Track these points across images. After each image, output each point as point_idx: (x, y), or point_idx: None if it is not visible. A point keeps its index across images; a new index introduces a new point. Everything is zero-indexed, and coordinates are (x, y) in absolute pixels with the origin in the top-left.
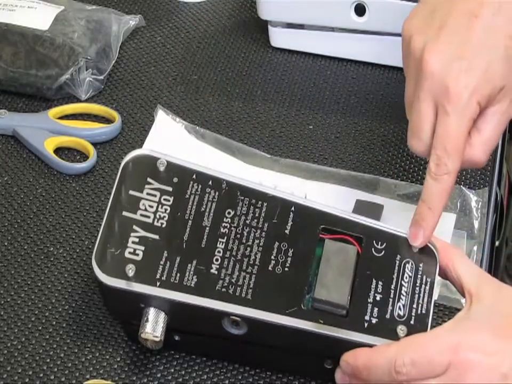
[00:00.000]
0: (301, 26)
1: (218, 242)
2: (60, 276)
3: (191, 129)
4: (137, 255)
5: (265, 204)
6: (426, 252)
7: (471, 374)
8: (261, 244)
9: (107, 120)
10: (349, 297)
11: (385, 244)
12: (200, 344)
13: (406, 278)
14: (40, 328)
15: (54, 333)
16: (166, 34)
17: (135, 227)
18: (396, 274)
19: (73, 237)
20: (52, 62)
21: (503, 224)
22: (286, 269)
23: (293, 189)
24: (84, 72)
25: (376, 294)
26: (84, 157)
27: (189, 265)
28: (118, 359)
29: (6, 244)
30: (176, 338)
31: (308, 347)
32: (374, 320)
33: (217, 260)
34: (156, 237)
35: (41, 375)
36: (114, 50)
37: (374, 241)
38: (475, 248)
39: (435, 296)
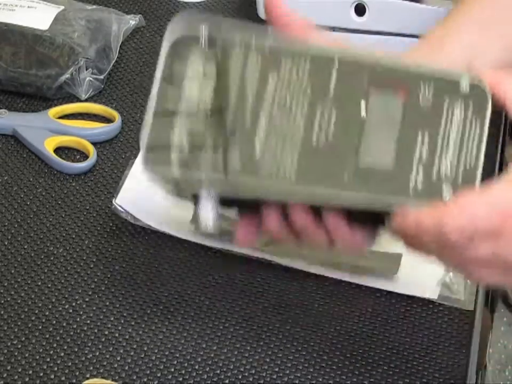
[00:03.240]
0: None
1: (262, 117)
2: (60, 275)
3: None
4: (182, 143)
5: (308, 63)
6: (478, 93)
7: None
8: (304, 111)
9: (107, 120)
10: (395, 161)
11: (432, 88)
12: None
13: (454, 126)
14: (40, 327)
15: (54, 332)
16: None
17: (178, 115)
18: (443, 123)
19: (73, 236)
20: (51, 62)
21: None
22: (330, 137)
23: None
24: (83, 72)
25: (422, 150)
26: (84, 156)
27: (233, 150)
28: (118, 359)
29: (6, 243)
30: None
31: (357, 215)
32: (419, 182)
33: (260, 140)
34: (200, 122)
35: (41, 374)
36: (114, 50)
37: (421, 87)
38: None
39: (476, 185)
